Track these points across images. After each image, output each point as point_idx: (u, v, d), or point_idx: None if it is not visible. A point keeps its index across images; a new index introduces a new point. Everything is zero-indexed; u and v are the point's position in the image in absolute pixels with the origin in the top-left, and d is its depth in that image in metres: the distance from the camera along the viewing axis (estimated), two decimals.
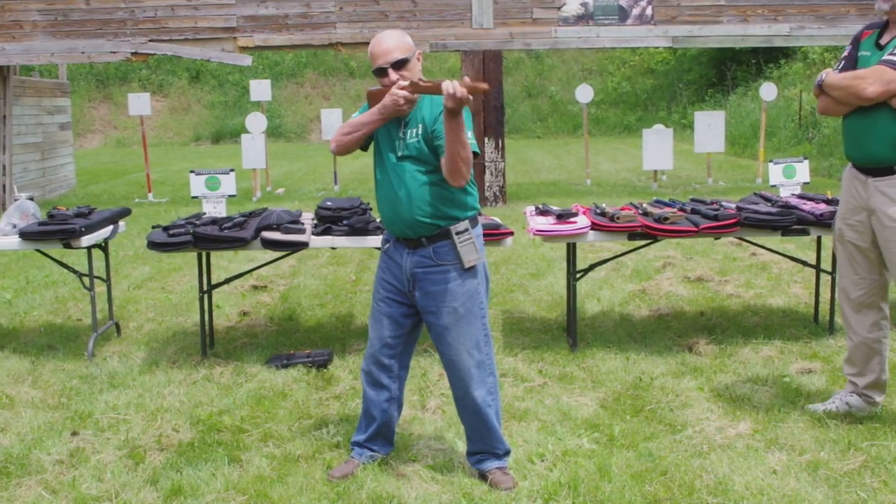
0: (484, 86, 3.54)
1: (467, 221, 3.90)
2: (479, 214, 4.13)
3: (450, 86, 3.49)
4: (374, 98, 3.89)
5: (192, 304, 7.39)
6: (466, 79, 3.54)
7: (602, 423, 4.67)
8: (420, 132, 3.83)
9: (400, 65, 3.79)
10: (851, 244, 4.57)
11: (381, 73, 3.82)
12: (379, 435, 4.20)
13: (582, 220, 5.79)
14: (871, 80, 4.28)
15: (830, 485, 3.91)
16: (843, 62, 4.52)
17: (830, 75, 4.49)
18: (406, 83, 3.72)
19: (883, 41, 4.39)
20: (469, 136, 3.69)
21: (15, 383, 5.53)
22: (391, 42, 3.81)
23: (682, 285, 7.77)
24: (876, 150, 4.36)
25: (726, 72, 26.76)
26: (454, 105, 3.51)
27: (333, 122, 16.34)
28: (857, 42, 4.53)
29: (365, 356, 4.16)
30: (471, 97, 3.50)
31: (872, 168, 4.41)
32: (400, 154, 3.87)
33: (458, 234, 3.87)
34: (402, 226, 3.89)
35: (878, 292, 4.57)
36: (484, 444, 4.05)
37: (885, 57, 4.29)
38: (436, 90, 3.62)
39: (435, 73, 30.97)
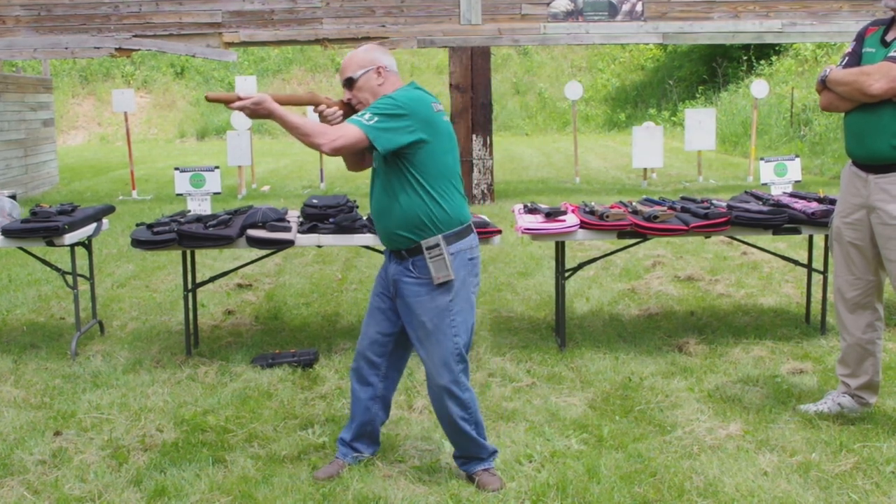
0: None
1: (440, 237, 3.80)
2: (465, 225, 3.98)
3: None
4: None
5: (176, 302, 7.32)
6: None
7: (591, 423, 4.64)
8: None
9: (347, 83, 3.93)
10: (850, 243, 4.54)
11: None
12: (363, 434, 4.17)
13: (571, 219, 5.76)
14: (877, 77, 4.26)
15: (822, 486, 3.89)
16: (846, 58, 4.50)
17: (835, 71, 4.47)
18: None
19: (888, 38, 4.37)
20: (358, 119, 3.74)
21: None
22: (346, 60, 3.95)
23: (672, 284, 7.75)
24: (879, 147, 4.34)
25: (717, 69, 26.76)
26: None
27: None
28: (861, 38, 4.51)
29: (356, 353, 4.14)
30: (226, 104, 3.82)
31: (874, 165, 4.39)
32: (375, 165, 3.94)
33: (427, 249, 3.81)
34: (383, 236, 3.96)
35: (874, 293, 4.55)
36: (468, 452, 4.04)
37: (892, 53, 4.28)
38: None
39: (422, 69, 30.93)
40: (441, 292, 3.83)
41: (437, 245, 3.81)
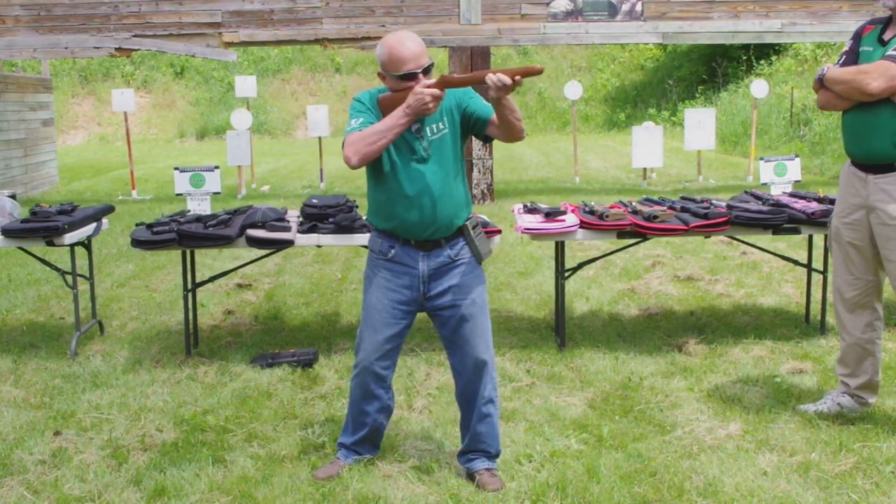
0: (538, 67, 3.58)
1: (475, 215, 3.98)
2: None
3: (494, 78, 3.52)
4: (386, 105, 3.76)
5: (175, 302, 7.31)
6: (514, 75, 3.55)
7: (591, 423, 4.64)
8: (447, 122, 3.81)
9: (429, 70, 3.73)
10: (849, 243, 4.54)
11: (410, 77, 3.69)
12: (366, 440, 4.17)
13: (570, 219, 5.76)
14: (875, 76, 4.25)
15: (822, 486, 3.89)
16: (844, 57, 4.49)
17: (832, 70, 4.46)
18: (432, 81, 3.67)
19: (886, 37, 4.37)
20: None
21: None
22: (418, 46, 3.71)
23: (672, 284, 7.74)
24: (877, 147, 4.33)
25: (717, 69, 26.74)
26: (501, 94, 3.57)
27: (319, 119, 16.22)
28: (858, 37, 4.50)
29: (358, 367, 4.01)
30: (519, 80, 3.52)
31: (873, 164, 4.39)
32: (423, 155, 3.79)
33: (473, 227, 3.91)
34: (431, 229, 3.81)
35: (873, 293, 4.55)
36: (478, 443, 4.02)
37: (890, 52, 4.27)
38: (475, 81, 3.65)
39: None
40: (481, 268, 3.98)
41: (479, 224, 3.95)
